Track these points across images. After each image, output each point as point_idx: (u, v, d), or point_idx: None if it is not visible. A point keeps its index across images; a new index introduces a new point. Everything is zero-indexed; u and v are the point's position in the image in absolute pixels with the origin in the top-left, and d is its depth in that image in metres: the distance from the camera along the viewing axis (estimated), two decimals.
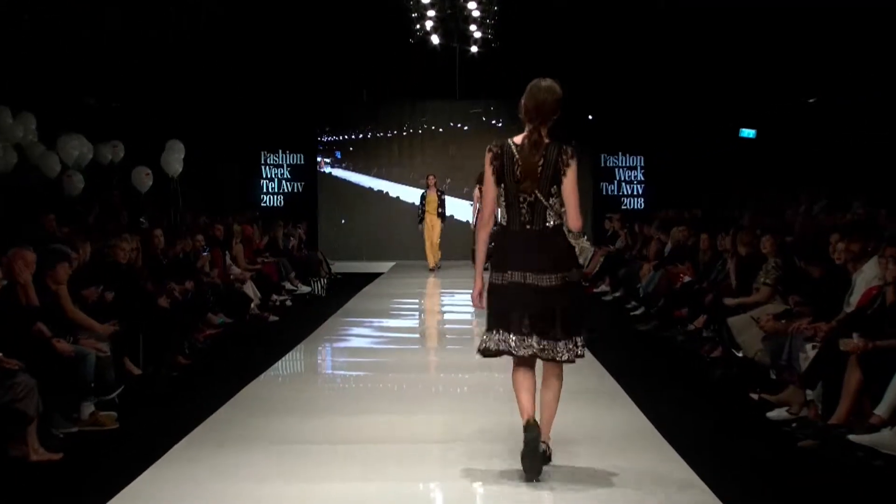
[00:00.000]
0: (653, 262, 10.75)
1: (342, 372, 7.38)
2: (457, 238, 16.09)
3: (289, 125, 17.28)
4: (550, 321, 4.13)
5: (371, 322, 9.93)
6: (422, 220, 14.89)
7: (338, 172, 17.89)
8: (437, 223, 14.85)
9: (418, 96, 17.43)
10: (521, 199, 4.17)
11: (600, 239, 14.94)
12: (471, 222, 15.35)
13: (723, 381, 6.65)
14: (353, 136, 17.83)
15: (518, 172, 4.15)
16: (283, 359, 7.57)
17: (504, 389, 5.86)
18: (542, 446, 4.22)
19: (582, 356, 4.21)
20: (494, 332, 4.20)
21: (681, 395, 6.31)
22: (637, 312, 10.24)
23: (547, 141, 4.17)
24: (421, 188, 15.72)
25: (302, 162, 17.81)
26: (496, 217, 4.32)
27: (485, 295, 4.29)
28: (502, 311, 4.17)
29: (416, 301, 12.34)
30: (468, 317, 10.91)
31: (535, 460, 4.15)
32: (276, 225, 13.27)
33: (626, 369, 6.89)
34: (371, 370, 7.20)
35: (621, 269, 11.77)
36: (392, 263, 16.51)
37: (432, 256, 14.87)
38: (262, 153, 17.76)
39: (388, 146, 17.86)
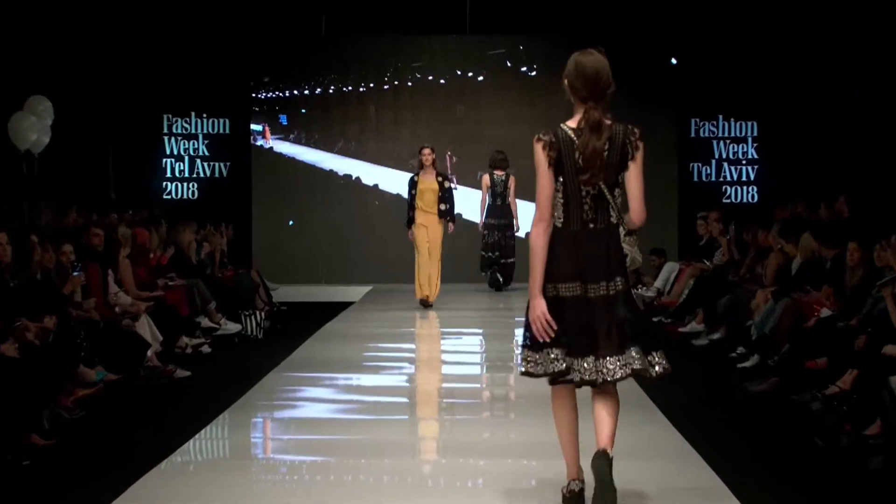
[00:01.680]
0: (772, 287, 10.84)
1: (287, 456, 7.41)
2: (465, 249, 16.10)
3: (207, 74, 17.35)
4: (622, 336, 5.17)
5: (334, 379, 10.06)
6: (412, 220, 14.40)
7: (283, 147, 18.08)
8: (438, 227, 14.33)
9: (408, 30, 17.57)
10: (584, 194, 5.20)
11: (689, 250, 15.08)
12: (479, 222, 15.56)
13: (884, 473, 6.65)
14: (307, 92, 17.91)
15: (580, 161, 5.16)
16: (198, 436, 7.55)
17: (539, 482, 6.05)
18: (602, 449, 5.17)
19: (668, 370, 5.28)
20: (542, 351, 5.19)
21: (819, 494, 6.32)
22: (747, 364, 10.32)
23: (609, 121, 5.20)
24: (411, 171, 15.43)
25: (226, 131, 17.97)
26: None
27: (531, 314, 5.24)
28: (555, 330, 5.14)
29: (404, 346, 12.40)
30: (481, 370, 10.91)
31: None
32: (187, 228, 13.38)
33: (731, 454, 6.92)
34: (332, 453, 7.22)
35: (722, 298, 11.85)
36: (367, 288, 16.56)
37: (426, 283, 14.39)
38: (166, 118, 17.89)
39: (361, 106, 17.89)
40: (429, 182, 14.35)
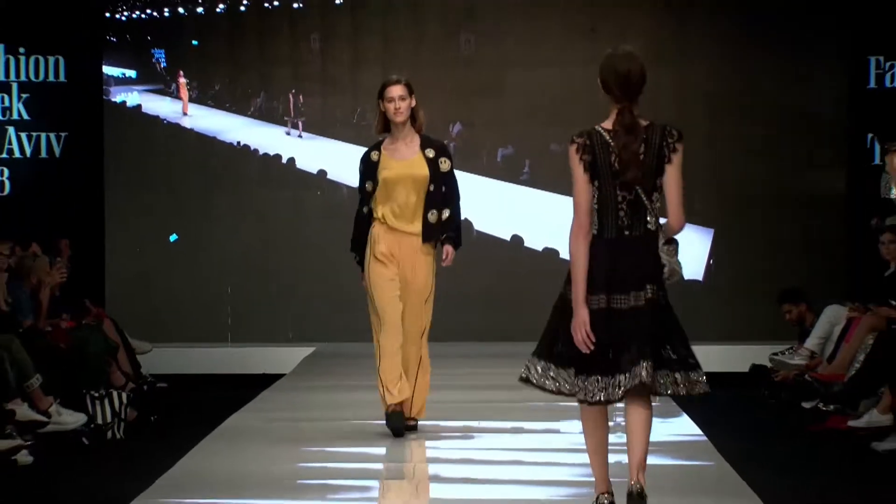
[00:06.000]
0: None
1: None
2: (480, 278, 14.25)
3: None
4: (644, 347, 5.79)
5: None
6: (359, 247, 10.15)
7: (160, 107, 15.67)
8: (422, 259, 10.11)
9: None
10: (620, 199, 5.99)
11: (866, 285, 13.26)
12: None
13: None
14: (200, 9, 15.48)
15: (615, 164, 5.99)
16: None
17: None
18: (636, 486, 5.90)
19: (708, 391, 5.93)
20: (551, 367, 5.96)
21: None
22: None
23: (644, 122, 6.06)
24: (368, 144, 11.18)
25: (60, 77, 15.38)
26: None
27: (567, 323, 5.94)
28: (568, 344, 5.87)
29: (372, 452, 10.16)
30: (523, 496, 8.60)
31: None
32: None
33: None
34: None
35: None
36: (306, 350, 14.57)
37: (395, 378, 10.21)
38: None
39: (296, 34, 15.36)
40: (402, 160, 9.83)
